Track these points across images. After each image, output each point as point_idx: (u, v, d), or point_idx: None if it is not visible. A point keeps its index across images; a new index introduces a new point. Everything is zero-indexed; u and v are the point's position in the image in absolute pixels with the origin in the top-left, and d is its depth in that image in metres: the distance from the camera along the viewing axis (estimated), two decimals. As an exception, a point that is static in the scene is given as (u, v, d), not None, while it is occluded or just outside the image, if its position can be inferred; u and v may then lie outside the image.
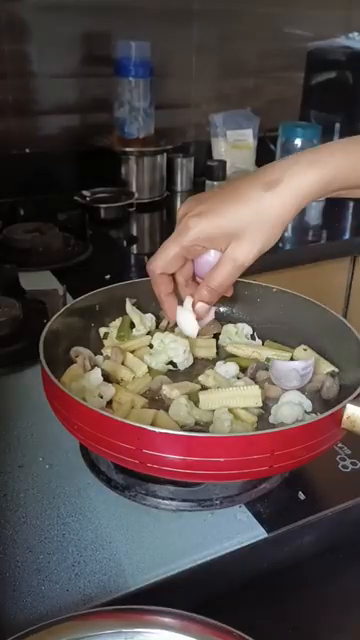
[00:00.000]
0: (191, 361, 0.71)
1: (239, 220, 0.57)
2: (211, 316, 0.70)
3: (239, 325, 0.76)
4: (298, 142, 1.62)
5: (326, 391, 0.65)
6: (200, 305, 0.64)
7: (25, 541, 0.56)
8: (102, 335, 0.74)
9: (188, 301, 0.66)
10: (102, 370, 0.66)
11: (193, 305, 0.65)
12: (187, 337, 0.73)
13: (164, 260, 0.61)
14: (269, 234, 0.57)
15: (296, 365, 0.67)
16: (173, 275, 0.65)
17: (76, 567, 0.54)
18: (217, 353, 0.74)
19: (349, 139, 0.59)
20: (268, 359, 0.71)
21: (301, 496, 0.61)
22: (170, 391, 0.65)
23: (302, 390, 0.66)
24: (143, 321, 0.75)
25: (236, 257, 0.58)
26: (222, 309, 0.79)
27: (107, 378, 0.67)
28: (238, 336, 0.75)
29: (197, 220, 0.58)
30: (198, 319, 0.67)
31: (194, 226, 0.58)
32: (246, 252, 0.57)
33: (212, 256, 0.61)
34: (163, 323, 0.76)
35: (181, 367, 0.71)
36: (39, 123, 1.63)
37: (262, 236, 0.57)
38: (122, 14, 1.60)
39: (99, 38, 1.60)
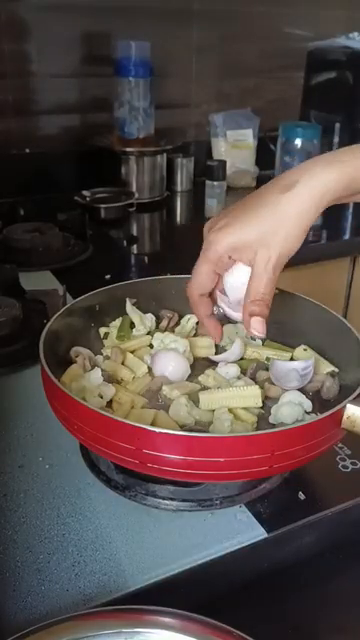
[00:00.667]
0: (191, 361, 0.71)
1: (259, 226, 0.57)
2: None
3: (239, 325, 0.76)
4: (298, 142, 1.61)
5: (326, 391, 0.65)
6: (256, 320, 0.60)
7: (25, 541, 0.56)
8: (102, 335, 0.74)
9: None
10: (102, 370, 0.66)
11: (247, 326, 0.61)
12: (187, 337, 0.73)
13: (199, 280, 0.62)
14: (292, 235, 0.57)
15: (296, 365, 0.67)
16: (211, 296, 0.65)
17: (76, 567, 0.54)
18: (216, 353, 0.74)
19: None
20: (268, 359, 0.71)
21: (301, 496, 0.61)
22: (170, 391, 0.65)
23: (302, 390, 0.66)
24: (143, 321, 0.75)
25: (266, 263, 0.57)
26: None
27: (107, 378, 0.66)
28: (238, 336, 0.75)
29: (218, 234, 0.59)
30: (258, 334, 0.62)
31: (216, 240, 0.59)
32: (275, 256, 0.57)
33: (244, 276, 0.60)
34: (163, 323, 0.76)
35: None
36: (39, 123, 1.63)
37: (286, 238, 0.56)
38: (122, 14, 1.60)
39: (99, 38, 1.60)
